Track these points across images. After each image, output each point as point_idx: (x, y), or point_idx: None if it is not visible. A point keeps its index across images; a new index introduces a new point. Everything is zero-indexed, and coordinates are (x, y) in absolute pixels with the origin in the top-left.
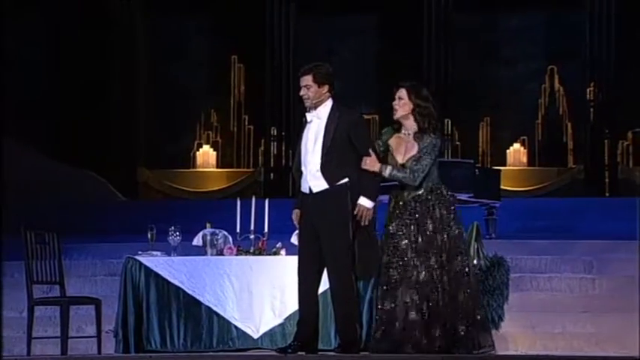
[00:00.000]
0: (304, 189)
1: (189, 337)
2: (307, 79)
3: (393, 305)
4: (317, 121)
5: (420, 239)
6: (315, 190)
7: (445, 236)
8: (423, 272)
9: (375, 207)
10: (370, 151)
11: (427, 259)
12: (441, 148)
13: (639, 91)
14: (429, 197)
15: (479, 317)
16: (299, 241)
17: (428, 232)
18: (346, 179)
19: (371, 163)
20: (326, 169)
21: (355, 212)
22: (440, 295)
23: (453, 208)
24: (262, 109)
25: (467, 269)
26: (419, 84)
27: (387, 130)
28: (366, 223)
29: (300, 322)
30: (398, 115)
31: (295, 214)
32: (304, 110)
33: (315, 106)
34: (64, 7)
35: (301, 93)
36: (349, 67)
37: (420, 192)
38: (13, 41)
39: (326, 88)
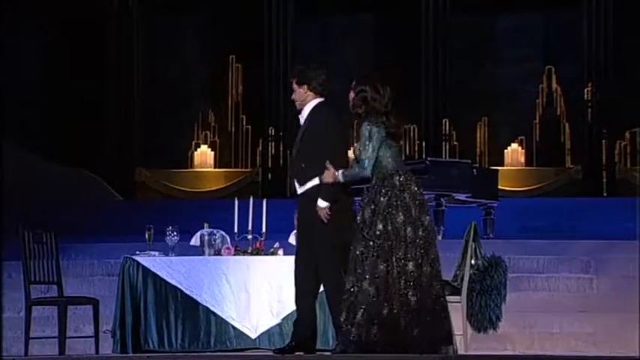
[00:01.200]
0: (294, 189)
1: (187, 337)
2: (293, 82)
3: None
4: (303, 123)
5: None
6: (299, 191)
7: (388, 224)
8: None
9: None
10: (327, 163)
11: (364, 240)
12: (382, 132)
13: (637, 92)
14: (378, 184)
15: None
16: (296, 241)
17: (367, 219)
18: (317, 180)
19: (327, 177)
20: (295, 170)
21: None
22: (373, 284)
23: (399, 195)
24: (260, 109)
25: (411, 256)
26: (371, 72)
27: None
28: (324, 221)
29: (298, 322)
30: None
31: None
32: (298, 111)
33: (302, 107)
34: (61, 5)
35: (292, 97)
36: (347, 67)
37: (373, 182)
38: (8, 39)
39: (305, 88)
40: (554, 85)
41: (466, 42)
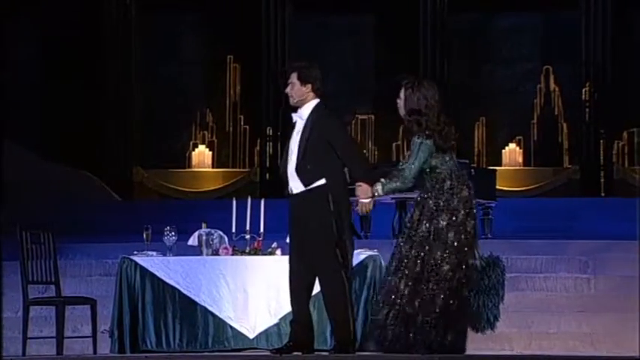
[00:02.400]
0: (289, 190)
1: (185, 337)
2: (292, 77)
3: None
4: (300, 122)
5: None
6: (295, 191)
7: (432, 226)
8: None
9: (350, 210)
10: (363, 178)
11: (408, 241)
12: (430, 147)
13: (635, 92)
14: (429, 188)
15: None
16: (289, 242)
17: (414, 220)
18: (323, 180)
19: (364, 192)
20: (300, 170)
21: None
22: (408, 285)
23: (448, 198)
24: (258, 109)
25: (446, 260)
26: (420, 80)
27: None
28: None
29: (293, 322)
30: (400, 113)
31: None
32: (291, 109)
33: (299, 106)
34: (59, 5)
35: (286, 90)
36: (345, 67)
37: (427, 186)
38: (6, 39)
39: (309, 87)
40: (552, 85)
41: (464, 42)
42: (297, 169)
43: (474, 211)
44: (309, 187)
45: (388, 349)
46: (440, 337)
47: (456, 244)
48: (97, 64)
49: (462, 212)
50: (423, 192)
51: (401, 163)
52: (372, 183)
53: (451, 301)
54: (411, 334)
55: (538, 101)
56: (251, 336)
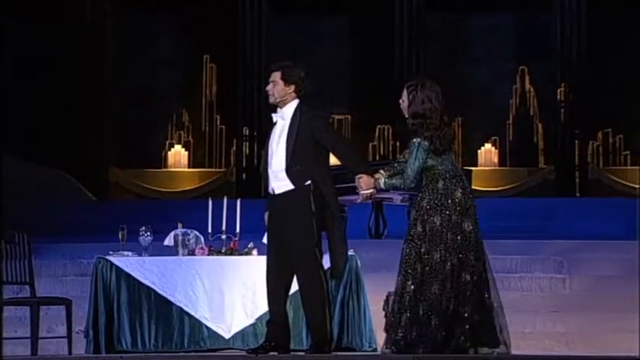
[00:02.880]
0: (269, 189)
1: (161, 337)
2: (276, 76)
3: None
4: (281, 122)
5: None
6: (277, 191)
7: (426, 226)
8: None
9: (344, 207)
10: (363, 171)
11: (408, 241)
12: (427, 148)
13: (609, 92)
14: (424, 188)
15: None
16: (267, 242)
17: (411, 220)
18: (310, 181)
19: (366, 183)
20: (291, 171)
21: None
22: (412, 285)
23: (441, 199)
24: (234, 109)
25: (447, 261)
26: (423, 82)
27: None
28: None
29: (270, 322)
30: (404, 114)
31: (267, 216)
32: (270, 109)
33: (280, 106)
34: (33, 5)
35: (267, 88)
36: (321, 67)
37: (422, 185)
38: None
39: (292, 88)
40: (527, 85)
41: (440, 42)
42: (287, 170)
43: (472, 212)
44: (298, 187)
45: (398, 350)
46: (449, 338)
47: (455, 245)
48: (73, 63)
49: (456, 213)
50: (419, 192)
51: (397, 162)
52: (371, 174)
53: (456, 303)
54: (418, 334)
55: (513, 101)
56: (227, 336)
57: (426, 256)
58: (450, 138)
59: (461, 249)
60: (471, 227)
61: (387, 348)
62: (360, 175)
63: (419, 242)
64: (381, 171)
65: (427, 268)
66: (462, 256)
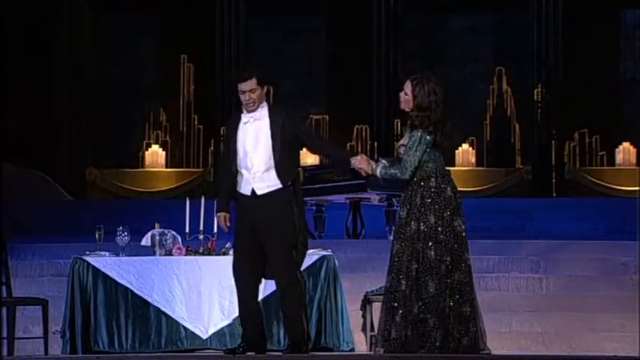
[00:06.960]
0: (245, 191)
1: (138, 337)
2: (252, 83)
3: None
4: (256, 123)
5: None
6: (259, 192)
7: (421, 224)
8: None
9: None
10: (356, 157)
11: (400, 239)
12: (429, 142)
13: (586, 93)
14: (416, 185)
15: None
16: (235, 243)
17: (403, 218)
18: (292, 179)
19: (362, 161)
20: (280, 170)
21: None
22: (406, 283)
23: (434, 197)
24: (212, 108)
25: (442, 259)
26: (428, 75)
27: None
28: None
29: (242, 322)
30: (403, 107)
31: (223, 217)
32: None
33: (258, 108)
34: (9, 3)
35: (246, 99)
36: (298, 67)
37: (412, 182)
38: None
39: (265, 89)
40: (504, 85)
41: (417, 42)
42: (278, 169)
43: (461, 211)
44: (285, 186)
45: (394, 349)
46: (449, 338)
47: (448, 243)
48: (50, 62)
49: (448, 212)
50: (409, 188)
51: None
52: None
53: (452, 302)
54: (413, 334)
55: (491, 102)
56: (204, 336)
57: (422, 255)
58: (449, 134)
59: (454, 247)
60: (463, 226)
61: (379, 347)
62: (357, 157)
63: (413, 240)
64: (383, 160)
65: (422, 266)
66: (455, 254)
